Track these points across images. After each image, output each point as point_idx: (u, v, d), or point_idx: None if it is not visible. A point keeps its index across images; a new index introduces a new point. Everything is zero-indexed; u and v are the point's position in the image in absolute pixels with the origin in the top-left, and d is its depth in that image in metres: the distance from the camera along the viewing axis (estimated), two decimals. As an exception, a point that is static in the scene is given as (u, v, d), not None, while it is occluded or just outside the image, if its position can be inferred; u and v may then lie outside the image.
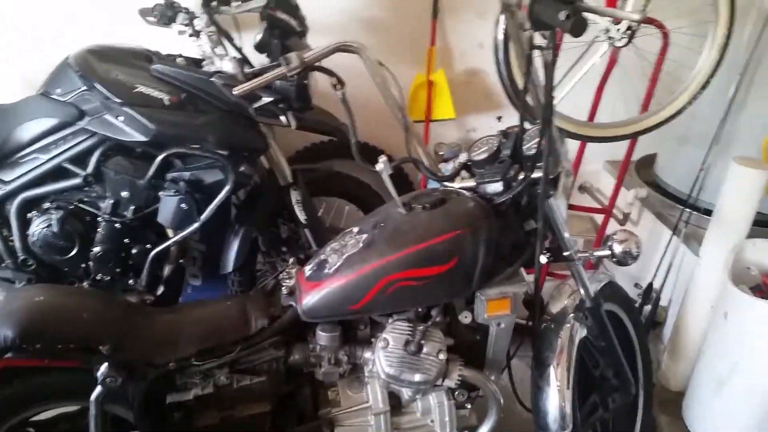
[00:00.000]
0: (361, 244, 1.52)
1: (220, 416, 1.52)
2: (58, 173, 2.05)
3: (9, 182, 2.03)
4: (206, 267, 2.30)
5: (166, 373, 1.48)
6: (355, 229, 1.61)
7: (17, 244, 2.04)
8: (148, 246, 2.12)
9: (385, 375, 1.51)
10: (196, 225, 2.03)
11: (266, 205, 2.30)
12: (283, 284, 1.64)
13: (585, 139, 2.33)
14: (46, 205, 2.06)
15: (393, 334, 1.51)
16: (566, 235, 1.61)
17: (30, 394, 1.46)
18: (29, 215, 2.05)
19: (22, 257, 2.04)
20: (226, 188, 2.05)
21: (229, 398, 1.53)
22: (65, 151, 2.03)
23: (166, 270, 2.18)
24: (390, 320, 1.56)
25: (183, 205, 2.02)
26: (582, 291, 1.69)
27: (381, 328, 1.58)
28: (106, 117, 1.99)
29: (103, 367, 1.39)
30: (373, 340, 1.58)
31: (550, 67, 1.32)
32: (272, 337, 1.56)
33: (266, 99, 2.03)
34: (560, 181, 1.56)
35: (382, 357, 1.51)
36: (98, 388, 1.40)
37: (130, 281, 2.16)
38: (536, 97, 1.49)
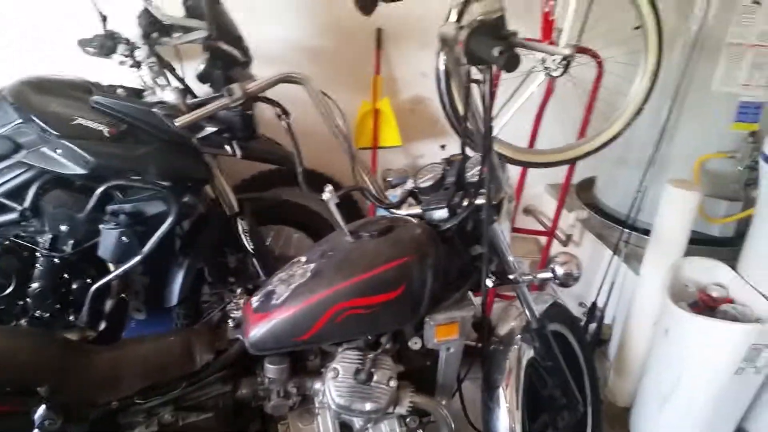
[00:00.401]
0: (309, 274, 1.51)
1: None
2: (-8, 208, 1.97)
3: (-62, 218, 1.94)
4: (150, 301, 2.24)
5: (109, 413, 1.43)
6: (303, 259, 1.60)
7: (-54, 285, 1.94)
8: (89, 281, 2.06)
9: (335, 405, 1.50)
10: (137, 258, 1.99)
11: (212, 235, 2.27)
12: (231, 316, 1.61)
13: (526, 165, 2.40)
14: (-21, 241, 1.98)
15: (343, 364, 1.51)
16: (510, 258, 1.64)
17: None
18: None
19: (-48, 296, 1.95)
20: (170, 219, 2.01)
21: (178, 435, 1.48)
22: (1, 185, 1.96)
23: (108, 305, 2.12)
24: (340, 349, 1.55)
25: (124, 238, 1.97)
26: (528, 313, 1.73)
27: (331, 358, 1.57)
28: (44, 150, 1.94)
29: (41, 410, 1.33)
30: (323, 370, 1.57)
31: (487, 99, 1.36)
32: (218, 372, 1.52)
33: (210, 129, 2.01)
34: (503, 207, 1.60)
35: (332, 387, 1.49)
36: (35, 432, 1.34)
37: (71, 317, 2.08)
38: (477, 126, 1.53)
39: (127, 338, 1.59)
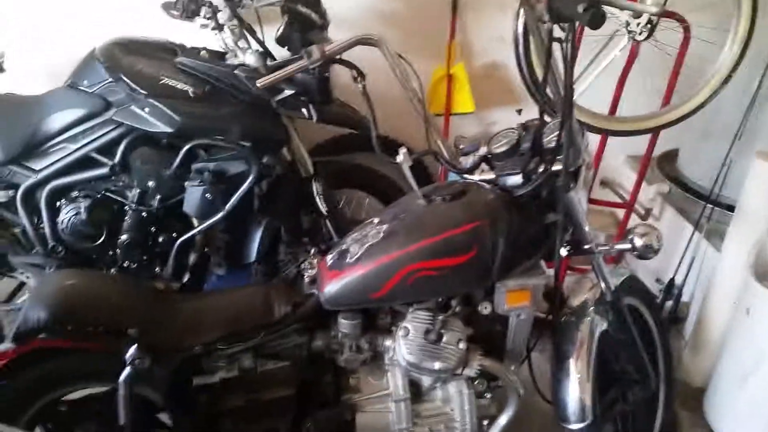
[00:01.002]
0: (381, 235, 1.54)
1: (245, 399, 1.56)
2: (86, 163, 2.09)
3: (39, 171, 2.08)
4: (230, 257, 2.34)
5: (193, 357, 1.52)
6: (376, 220, 1.63)
7: (47, 231, 2.09)
8: (174, 235, 2.17)
9: (405, 363, 1.54)
10: (220, 215, 2.07)
11: (288, 196, 2.33)
12: (305, 273, 1.67)
13: (606, 133, 2.33)
14: (75, 193, 2.11)
15: (413, 323, 1.54)
16: (586, 228, 1.61)
17: (61, 375, 1.51)
18: (58, 203, 2.11)
19: (51, 244, 2.10)
20: (249, 179, 2.08)
21: (254, 382, 1.56)
22: (93, 141, 2.08)
23: (192, 258, 2.23)
24: (410, 309, 1.58)
25: (207, 195, 2.05)
26: (603, 284, 1.70)
27: (402, 318, 1.60)
28: (132, 108, 2.03)
29: (132, 350, 1.43)
30: (393, 328, 1.60)
31: (569, 60, 1.32)
32: (295, 324, 1.59)
33: (288, 92, 2.07)
34: (580, 174, 1.57)
35: (402, 345, 1.53)
36: (126, 370, 1.44)
37: (157, 269, 2.21)
38: (556, 90, 1.50)
39: (210, 289, 1.68)
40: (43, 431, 1.61)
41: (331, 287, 1.53)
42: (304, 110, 2.11)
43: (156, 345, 1.47)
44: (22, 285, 2.30)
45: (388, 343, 1.60)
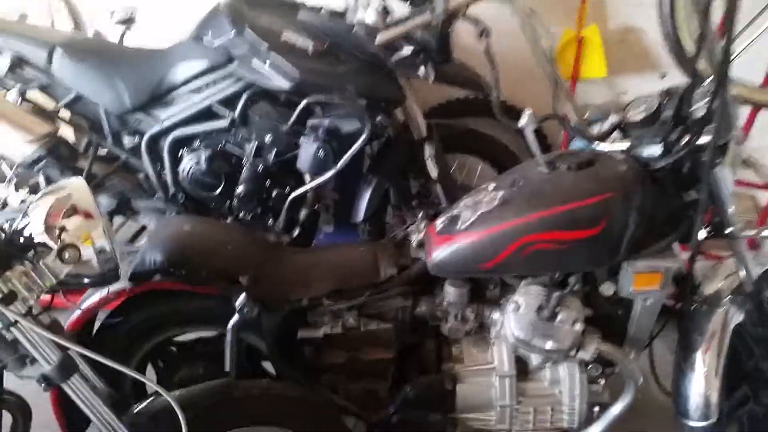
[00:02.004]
0: (497, 201, 1.45)
1: (346, 356, 1.55)
2: (207, 115, 2.15)
3: (163, 120, 2.16)
4: (339, 215, 2.34)
5: (299, 310, 1.53)
6: (491, 186, 1.54)
7: (168, 178, 2.19)
8: (287, 190, 2.19)
9: (514, 338, 1.46)
10: (331, 172, 2.07)
11: (399, 157, 2.29)
12: (412, 237, 1.62)
13: (759, 105, 2.07)
14: (196, 144, 2.18)
15: (525, 298, 1.45)
16: (730, 209, 1.44)
17: (172, 317, 1.57)
18: (180, 153, 2.19)
19: (172, 191, 2.19)
20: (362, 137, 2.05)
21: (356, 340, 1.55)
22: (214, 93, 2.13)
23: (302, 214, 2.25)
24: (523, 282, 1.49)
25: (321, 152, 2.05)
26: (743, 273, 1.52)
27: (512, 290, 1.52)
28: (254, 62, 2.05)
29: (242, 298, 1.46)
30: (502, 301, 1.53)
31: (731, 15, 1.16)
32: (400, 286, 1.55)
33: (406, 50, 1.99)
34: (729, 149, 1.39)
35: (512, 319, 1.45)
36: (235, 317, 1.47)
37: (269, 221, 2.25)
38: (709, 53, 1.32)
39: (318, 245, 1.68)
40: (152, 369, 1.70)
41: (439, 253, 1.47)
42: (421, 69, 2.03)
43: (265, 295, 1.49)
44: (143, 228, 2.44)
45: (495, 316, 1.52)
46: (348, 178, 2.24)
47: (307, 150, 2.06)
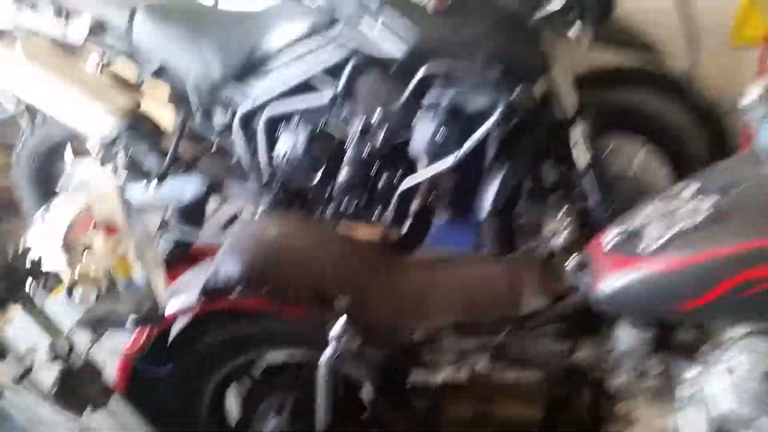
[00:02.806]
0: (703, 214, 1.01)
1: (473, 411, 1.17)
2: (306, 88, 1.82)
3: (257, 93, 1.86)
4: (457, 209, 1.95)
5: (412, 344, 1.16)
6: (689, 190, 1.09)
7: (262, 161, 1.89)
8: (397, 178, 1.83)
9: (723, 410, 1.02)
10: (453, 159, 1.68)
11: (539, 140, 1.85)
12: (556, 246, 1.22)
13: None
14: (293, 124, 1.86)
15: (748, 357, 1.00)
16: None
17: (256, 338, 1.26)
18: (276, 134, 1.88)
19: (266, 177, 1.90)
20: (494, 116, 1.65)
21: (488, 391, 1.17)
22: (315, 63, 1.80)
23: (414, 206, 1.88)
24: (737, 332, 1.03)
25: (440, 135, 1.66)
26: None
27: (714, 340, 1.07)
28: (362, 24, 1.69)
29: (338, 326, 1.12)
30: (701, 354, 1.08)
31: None
32: (551, 324, 1.14)
33: (556, 4, 1.57)
34: None
35: (723, 385, 1.01)
36: (330, 348, 1.14)
37: (375, 214, 1.90)
38: None
39: (441, 255, 1.30)
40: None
41: (613, 282, 1.05)
42: (574, 28, 1.58)
43: (369, 323, 1.14)
44: (236, 217, 2.17)
45: (690, 374, 1.08)
46: (472, 165, 1.84)
47: (424, 131, 1.69)
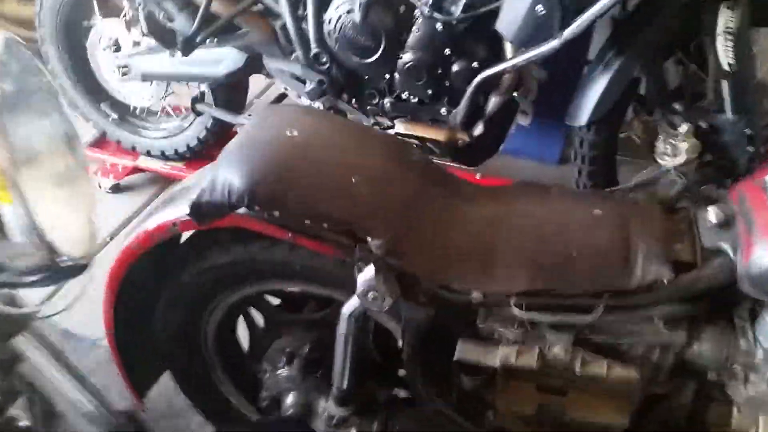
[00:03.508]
0: None
1: (535, 404, 0.87)
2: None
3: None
4: (542, 109, 1.55)
5: (466, 308, 0.86)
6: None
7: (311, 31, 1.51)
8: (475, 65, 1.44)
9: None
10: (553, 44, 1.26)
11: (666, 28, 1.39)
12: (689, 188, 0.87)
13: None
14: (350, -17, 1.46)
15: None
16: None
17: (267, 267, 0.98)
18: (329, -6, 1.49)
19: (314, 51, 1.53)
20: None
21: (560, 382, 0.86)
22: None
23: (493, 103, 1.49)
24: None
25: (539, 9, 1.24)
26: None
27: None
28: None
29: (367, 273, 0.82)
30: None
31: None
32: (669, 303, 0.80)
33: None
34: None
35: None
36: (355, 301, 0.85)
37: (442, 110, 1.53)
38: None
39: (520, 187, 0.94)
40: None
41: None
42: None
43: (412, 274, 0.83)
44: (283, 96, 1.84)
45: None
46: (572, 55, 1.41)
47: (516, 5, 1.26)
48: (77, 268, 0.60)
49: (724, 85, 1.37)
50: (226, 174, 0.82)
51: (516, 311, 0.81)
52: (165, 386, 1.24)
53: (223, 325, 1.12)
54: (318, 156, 0.84)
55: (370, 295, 0.82)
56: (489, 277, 0.81)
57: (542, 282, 0.80)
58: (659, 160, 1.49)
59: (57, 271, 0.57)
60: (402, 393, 1.09)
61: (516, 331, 0.84)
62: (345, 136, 0.89)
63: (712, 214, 0.80)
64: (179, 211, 0.92)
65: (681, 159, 1.44)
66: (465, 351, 0.86)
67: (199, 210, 0.84)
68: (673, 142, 1.44)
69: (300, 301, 1.13)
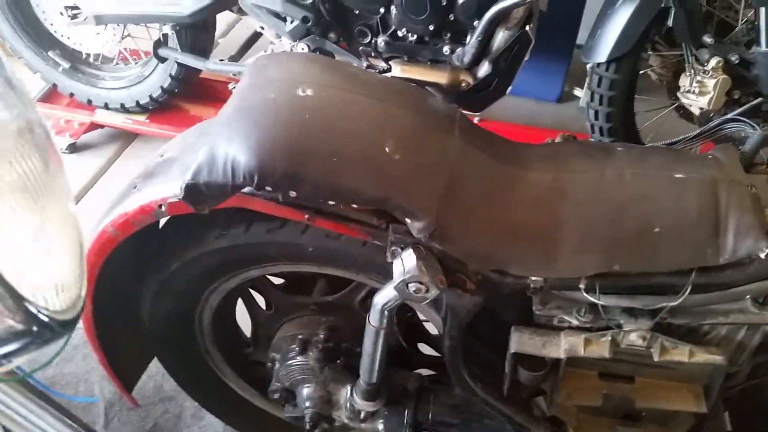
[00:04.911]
0: None
1: (603, 396, 0.76)
2: None
3: None
4: (541, 37, 1.38)
5: (523, 293, 0.72)
6: None
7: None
8: (483, -1, 1.26)
9: None
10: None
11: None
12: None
13: None
14: None
15: None
16: None
17: (273, 251, 0.83)
18: None
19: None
20: None
21: (633, 372, 0.75)
22: None
23: (501, 39, 1.32)
24: None
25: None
26: None
27: None
28: None
29: (408, 262, 0.68)
30: None
31: None
32: (759, 281, 0.69)
33: None
34: None
35: None
36: (390, 292, 0.71)
37: (445, 48, 1.36)
38: None
39: (578, 144, 0.79)
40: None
41: None
42: None
43: (459, 259, 0.69)
44: (256, 36, 1.63)
45: None
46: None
47: None
48: (64, 325, 0.43)
49: (762, 13, 1.23)
50: (227, 147, 0.65)
51: (586, 296, 0.69)
52: (150, 370, 1.12)
53: (220, 309, 0.98)
54: (340, 120, 0.68)
55: (412, 286, 0.68)
56: (553, 260, 0.68)
57: (619, 262, 0.67)
58: (683, 99, 1.37)
59: (36, 335, 0.41)
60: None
61: (582, 318, 0.72)
62: (367, 91, 0.72)
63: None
64: (165, 189, 0.76)
65: (708, 97, 1.32)
66: (522, 342, 0.73)
67: (195, 192, 0.67)
68: (700, 78, 1.31)
69: (308, 279, 0.99)
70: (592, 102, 1.40)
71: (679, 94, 1.36)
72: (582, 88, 1.83)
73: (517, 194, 0.71)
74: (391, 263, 0.70)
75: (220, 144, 0.66)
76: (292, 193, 0.67)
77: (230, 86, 0.74)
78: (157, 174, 0.80)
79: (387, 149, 0.67)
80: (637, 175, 0.71)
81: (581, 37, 1.72)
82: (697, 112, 1.36)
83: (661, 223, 0.67)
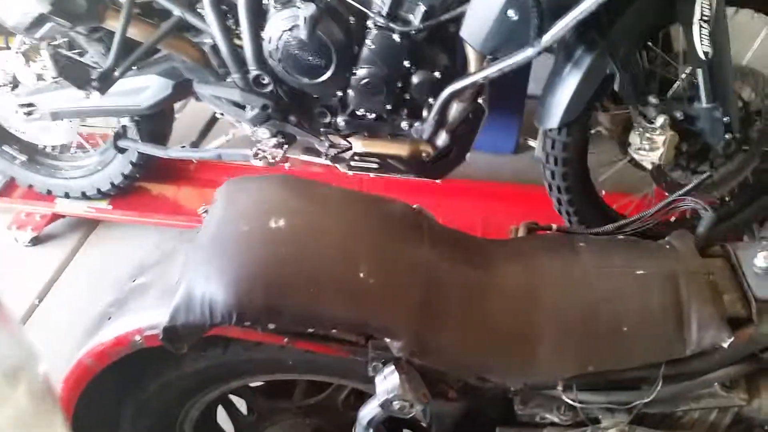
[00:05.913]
0: None
1: None
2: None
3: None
4: (494, 94, 1.43)
5: (506, 397, 0.74)
6: None
7: (247, 51, 1.32)
8: (437, 74, 1.31)
9: None
10: (531, 52, 1.15)
11: (641, 18, 1.29)
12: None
13: None
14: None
15: None
16: None
17: (252, 366, 0.84)
18: (264, 4, 1.30)
19: (254, 72, 1.34)
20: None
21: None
22: None
23: (458, 111, 1.37)
24: None
25: (512, 14, 1.12)
26: None
27: None
28: None
29: (390, 381, 0.69)
30: None
31: None
32: (726, 367, 0.72)
33: None
34: None
35: None
36: (374, 408, 0.72)
37: (403, 123, 1.40)
38: None
39: (542, 240, 0.81)
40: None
41: None
42: None
43: (441, 372, 0.71)
44: (214, 121, 1.65)
45: None
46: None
47: (483, 10, 1.13)
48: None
49: (699, 74, 1.30)
50: (203, 287, 0.66)
51: (563, 396, 0.71)
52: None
53: (202, 418, 0.97)
54: (313, 249, 0.69)
55: (396, 404, 0.69)
56: (531, 365, 0.70)
57: (593, 364, 0.69)
58: (635, 155, 1.43)
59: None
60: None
61: (563, 416, 0.74)
62: (335, 213, 0.74)
63: (762, 259, 0.72)
64: (141, 319, 0.75)
65: (659, 152, 1.38)
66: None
67: (173, 334, 0.67)
68: (649, 135, 1.37)
69: (289, 381, 0.99)
70: (548, 163, 1.44)
71: (630, 151, 1.42)
72: (535, 138, 1.89)
73: (491, 302, 0.73)
74: (373, 377, 0.72)
75: (196, 284, 0.67)
76: (271, 326, 0.68)
77: (200, 210, 0.74)
78: (130, 301, 0.79)
79: (361, 275, 0.68)
80: (602, 274, 0.74)
81: (531, 88, 1.79)
82: (649, 166, 1.41)
83: (629, 322, 0.70)
